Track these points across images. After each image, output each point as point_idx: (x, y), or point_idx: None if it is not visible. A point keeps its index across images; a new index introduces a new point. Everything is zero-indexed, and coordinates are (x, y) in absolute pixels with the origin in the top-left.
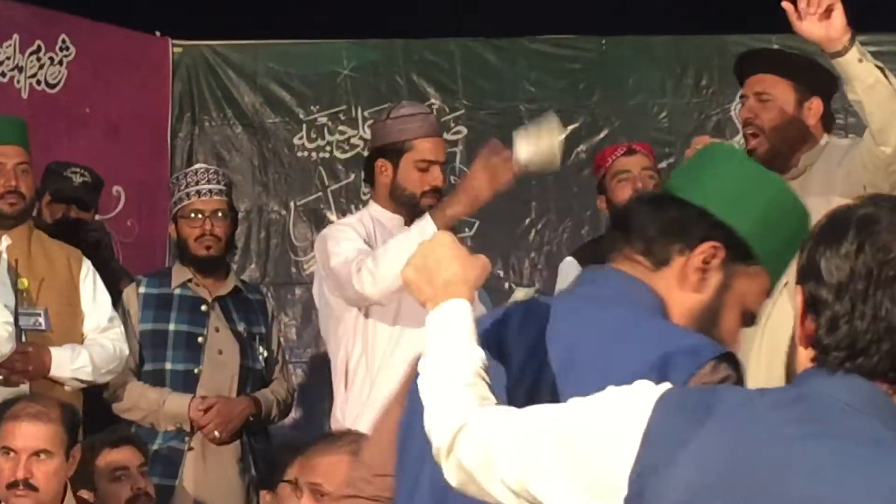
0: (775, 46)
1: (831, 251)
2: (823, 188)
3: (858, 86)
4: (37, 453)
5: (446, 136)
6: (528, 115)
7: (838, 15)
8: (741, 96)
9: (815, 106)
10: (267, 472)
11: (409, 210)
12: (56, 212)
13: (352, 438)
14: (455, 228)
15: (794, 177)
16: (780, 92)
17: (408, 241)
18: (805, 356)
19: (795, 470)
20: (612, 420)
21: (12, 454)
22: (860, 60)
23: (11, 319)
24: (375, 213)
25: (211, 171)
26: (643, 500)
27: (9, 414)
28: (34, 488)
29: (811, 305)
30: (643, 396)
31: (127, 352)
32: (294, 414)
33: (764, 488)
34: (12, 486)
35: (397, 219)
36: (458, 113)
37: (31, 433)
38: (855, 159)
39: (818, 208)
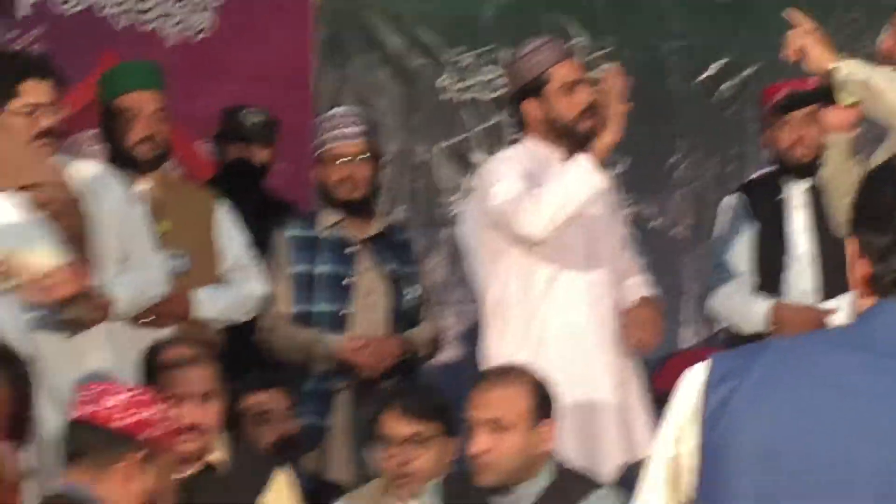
0: None
1: (878, 194)
2: None
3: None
4: (202, 397)
5: (591, 75)
6: (673, 52)
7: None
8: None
9: None
10: None
11: (570, 139)
12: (233, 152)
13: (520, 371)
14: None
15: None
16: None
17: (565, 179)
18: (862, 305)
19: (858, 396)
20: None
21: (178, 400)
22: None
23: (165, 262)
24: (532, 148)
25: (351, 114)
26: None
27: (166, 361)
28: (202, 432)
29: (865, 249)
30: None
31: (268, 291)
32: (443, 354)
33: (830, 414)
34: (180, 431)
35: (556, 154)
36: (603, 51)
37: (194, 378)
38: None
39: None
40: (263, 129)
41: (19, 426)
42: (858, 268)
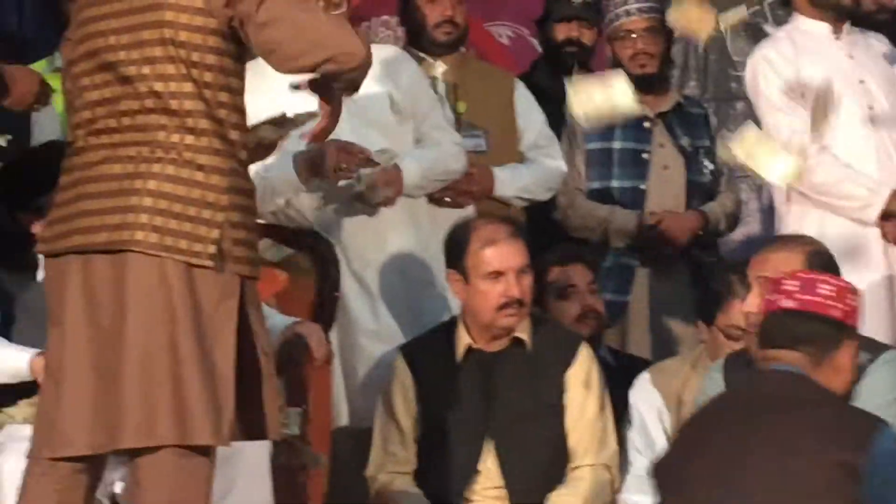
0: None
1: None
2: None
3: None
4: (521, 270)
5: None
6: None
7: None
8: None
9: None
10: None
11: (835, 11)
12: (558, 32)
13: (806, 240)
14: None
15: None
16: None
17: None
18: None
19: None
20: None
21: (501, 276)
22: None
23: (459, 139)
24: (803, 25)
25: None
26: None
27: (482, 238)
28: (524, 305)
29: None
30: None
31: (565, 168)
32: (742, 227)
33: None
34: (505, 306)
35: (824, 27)
36: None
37: (513, 253)
38: None
39: None
40: (590, 9)
41: (326, 308)
42: None
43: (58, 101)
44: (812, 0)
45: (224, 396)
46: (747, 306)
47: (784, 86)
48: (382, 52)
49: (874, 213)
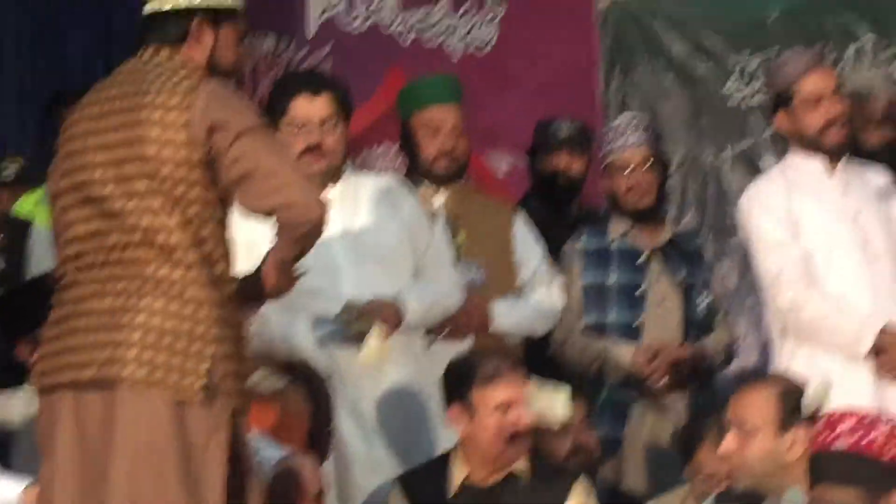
0: None
1: None
2: None
3: None
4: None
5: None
6: None
7: None
8: None
9: None
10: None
11: (825, 152)
12: (548, 163)
13: (779, 381)
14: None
15: None
16: None
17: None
18: None
19: None
20: None
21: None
22: None
23: (457, 275)
24: (795, 163)
25: (635, 122)
26: None
27: (488, 371)
28: (529, 436)
29: None
30: None
31: (562, 303)
32: (738, 362)
33: None
34: (516, 436)
35: (818, 163)
36: (892, 50)
37: (519, 385)
38: None
39: None
40: (579, 139)
41: (320, 440)
42: None
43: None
44: (802, 141)
45: None
46: (723, 449)
47: (775, 223)
48: (383, 183)
49: (864, 348)
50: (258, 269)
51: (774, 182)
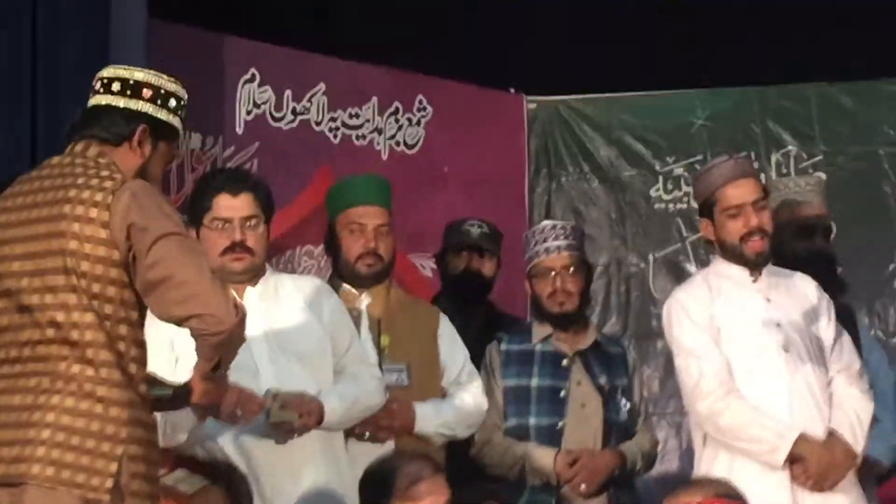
0: None
1: None
2: None
3: None
4: None
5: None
6: (887, 159)
7: None
8: None
9: None
10: None
11: (745, 264)
12: (458, 264)
13: (719, 484)
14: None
15: None
16: None
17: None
18: None
19: None
20: None
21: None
22: None
23: (379, 374)
24: (721, 269)
25: (559, 226)
26: None
27: (409, 475)
28: None
29: None
30: None
31: (486, 406)
32: (659, 466)
33: None
34: None
35: (742, 271)
36: (815, 159)
37: (438, 488)
38: None
39: None
40: (489, 240)
41: None
42: None
43: None
44: (724, 249)
45: None
46: None
47: (697, 329)
48: (304, 283)
49: (781, 456)
50: (187, 382)
51: (698, 288)
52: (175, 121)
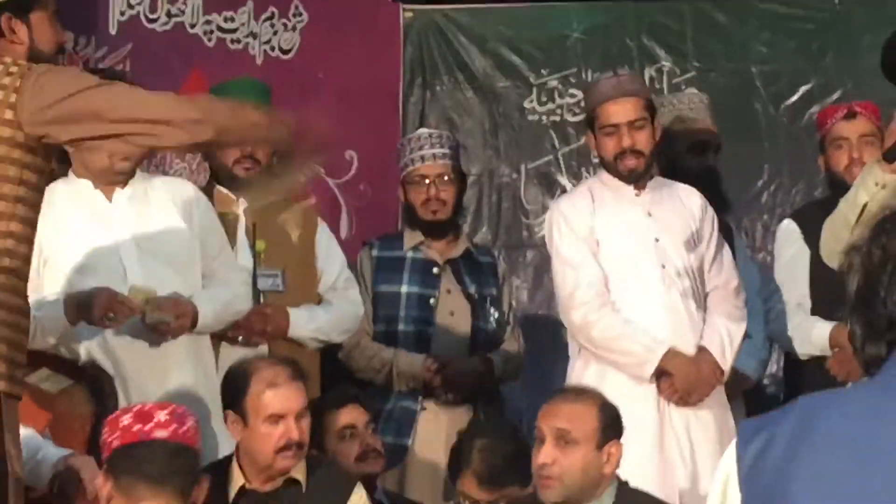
0: None
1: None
2: None
3: None
4: (300, 413)
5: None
6: (759, 76)
7: None
8: None
9: None
10: None
11: (620, 177)
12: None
13: (597, 394)
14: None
15: None
16: None
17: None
18: None
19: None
20: None
21: (281, 419)
22: None
23: (249, 279)
24: (605, 179)
25: (435, 135)
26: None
27: (262, 381)
28: (300, 448)
29: None
30: None
31: (362, 312)
32: (526, 375)
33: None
34: (285, 448)
35: (626, 186)
36: (688, 75)
37: (293, 396)
38: None
39: None
40: None
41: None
42: None
43: None
44: (604, 165)
45: None
46: (542, 457)
47: (576, 241)
48: (175, 186)
49: (649, 370)
50: None
51: (581, 198)
52: None
